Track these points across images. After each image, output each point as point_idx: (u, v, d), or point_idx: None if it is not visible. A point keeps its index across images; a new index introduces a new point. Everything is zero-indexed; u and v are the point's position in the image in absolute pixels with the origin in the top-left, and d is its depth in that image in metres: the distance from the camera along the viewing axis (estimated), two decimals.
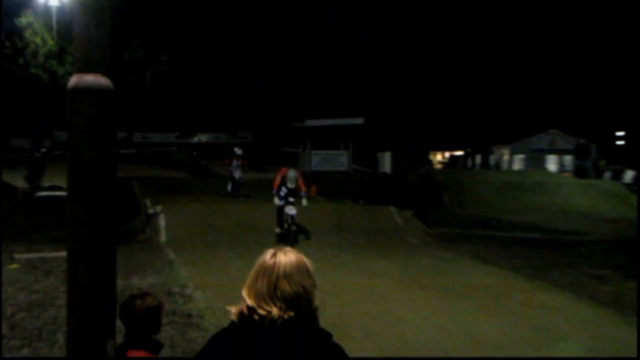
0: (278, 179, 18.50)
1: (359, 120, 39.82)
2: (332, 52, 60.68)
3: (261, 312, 2.85)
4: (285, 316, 2.84)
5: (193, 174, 35.62)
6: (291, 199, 18.40)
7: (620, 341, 9.70)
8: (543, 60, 64.73)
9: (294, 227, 18.44)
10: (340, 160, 36.34)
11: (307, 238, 19.24)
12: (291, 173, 18.39)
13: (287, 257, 2.97)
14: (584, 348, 9.31)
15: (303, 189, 18.78)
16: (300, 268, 2.96)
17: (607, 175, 46.92)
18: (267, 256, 2.99)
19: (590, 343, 9.56)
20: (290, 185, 18.34)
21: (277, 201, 18.45)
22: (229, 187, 26.53)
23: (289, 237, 18.12)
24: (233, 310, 2.97)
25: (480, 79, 62.55)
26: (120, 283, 7.89)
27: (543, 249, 19.02)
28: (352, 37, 61.05)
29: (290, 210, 18.23)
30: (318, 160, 36.23)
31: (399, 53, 61.85)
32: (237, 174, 26.61)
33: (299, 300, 2.89)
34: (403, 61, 61.55)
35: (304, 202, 18.82)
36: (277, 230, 18.73)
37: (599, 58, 61.93)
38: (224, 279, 12.78)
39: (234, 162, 26.53)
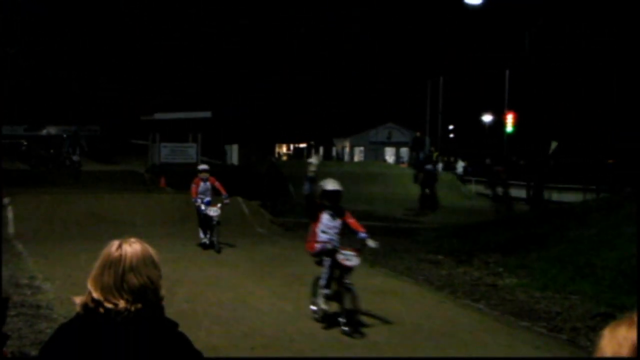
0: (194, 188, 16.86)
1: (207, 114, 39.90)
2: (180, 48, 60.01)
3: (108, 305, 2.77)
4: (132, 308, 2.77)
5: (37, 165, 34.68)
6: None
7: (456, 323, 10.11)
8: (370, 56, 66.28)
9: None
10: (188, 153, 36.12)
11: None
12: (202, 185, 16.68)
13: (132, 248, 2.89)
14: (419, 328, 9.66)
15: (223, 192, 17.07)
16: (146, 259, 2.89)
17: (440, 166, 48.71)
18: (113, 248, 2.89)
19: (425, 324, 9.93)
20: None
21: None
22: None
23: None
24: (77, 301, 2.85)
25: (319, 75, 63.48)
26: None
27: (383, 237, 19.41)
28: (195, 34, 60.56)
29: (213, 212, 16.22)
30: (167, 152, 35.92)
31: (242, 47, 61.86)
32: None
33: (146, 292, 2.83)
34: (247, 56, 61.66)
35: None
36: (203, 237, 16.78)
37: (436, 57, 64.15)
38: (73, 270, 12.49)
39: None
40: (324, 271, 9.69)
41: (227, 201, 16.99)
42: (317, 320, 9.74)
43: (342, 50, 62.98)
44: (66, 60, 55.81)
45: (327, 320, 9.60)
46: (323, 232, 9.75)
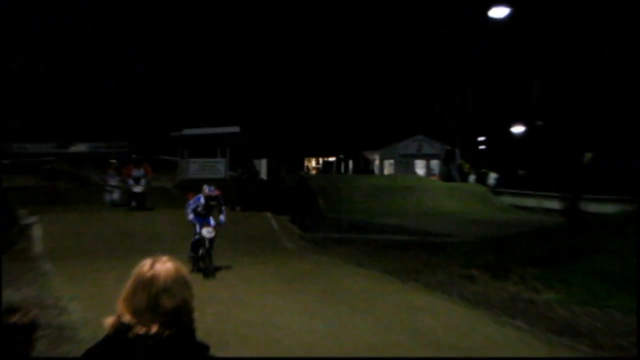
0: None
1: (235, 129, 39.91)
2: (207, 63, 60.25)
3: (140, 329, 2.65)
4: (165, 333, 2.66)
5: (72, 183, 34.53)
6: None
7: (494, 342, 9.81)
8: (407, 70, 66.14)
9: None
10: (217, 168, 36.05)
11: None
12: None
13: (165, 268, 2.78)
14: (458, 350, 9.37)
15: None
16: (179, 280, 2.78)
17: (472, 178, 48.28)
18: (145, 267, 2.78)
19: (461, 343, 9.64)
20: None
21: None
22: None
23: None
24: (107, 323, 2.73)
25: (348, 88, 63.34)
26: None
27: (415, 251, 19.14)
28: (222, 49, 60.72)
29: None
30: (196, 168, 35.95)
31: (270, 62, 61.90)
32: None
33: (180, 315, 2.72)
34: (274, 69, 61.68)
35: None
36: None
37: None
38: (101, 289, 12.31)
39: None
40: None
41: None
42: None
43: (370, 62, 62.56)
44: (93, 76, 56.31)
45: None
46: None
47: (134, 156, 25.49)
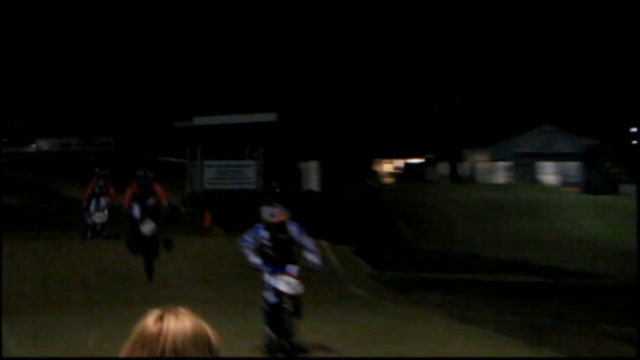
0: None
1: (271, 117, 39.57)
2: (228, 21, 60.57)
3: None
4: None
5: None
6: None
7: None
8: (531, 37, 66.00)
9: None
10: (245, 175, 36.27)
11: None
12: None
13: (179, 323, 2.68)
14: None
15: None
16: (198, 341, 2.68)
17: (627, 188, 47.70)
18: (150, 320, 2.68)
19: None
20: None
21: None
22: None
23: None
24: None
25: (445, 59, 63.09)
26: None
27: (546, 299, 19.01)
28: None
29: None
30: (213, 174, 36.29)
31: (321, 20, 62.02)
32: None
33: None
34: (328, 33, 61.65)
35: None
36: None
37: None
38: (76, 355, 12.42)
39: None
40: None
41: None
42: None
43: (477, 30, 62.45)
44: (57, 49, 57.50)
45: None
46: None
47: (140, 172, 22.56)
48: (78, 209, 27.18)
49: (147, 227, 20.54)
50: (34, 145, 50.15)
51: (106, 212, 23.94)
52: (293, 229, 13.62)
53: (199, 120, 39.78)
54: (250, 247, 13.60)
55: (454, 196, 38.25)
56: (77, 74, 57.44)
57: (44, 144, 49.92)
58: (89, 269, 20.25)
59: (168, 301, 2.75)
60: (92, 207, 23.64)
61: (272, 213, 13.65)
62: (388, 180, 60.21)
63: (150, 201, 21.44)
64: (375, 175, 58.61)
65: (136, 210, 21.19)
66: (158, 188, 22.35)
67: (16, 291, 18.32)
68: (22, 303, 17.55)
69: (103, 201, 24.14)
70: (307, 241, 13.82)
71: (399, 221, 31.03)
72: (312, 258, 13.75)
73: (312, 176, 37.62)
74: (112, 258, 21.23)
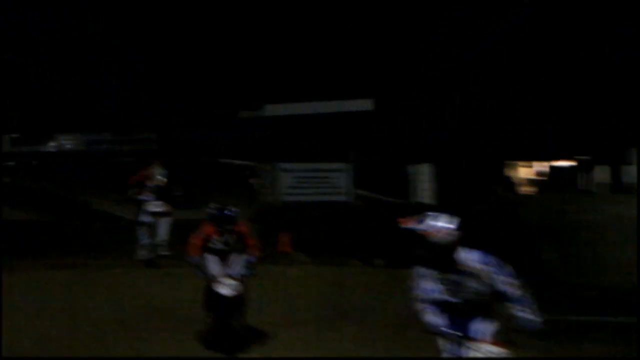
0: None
1: (366, 105, 37.55)
2: None
3: None
4: None
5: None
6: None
7: None
8: None
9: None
10: (334, 181, 33.11)
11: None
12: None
13: None
14: None
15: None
16: None
17: None
18: None
19: None
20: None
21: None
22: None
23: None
24: None
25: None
26: None
27: None
28: None
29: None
30: (291, 182, 33.04)
31: None
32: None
33: None
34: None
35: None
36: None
37: None
38: None
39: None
40: None
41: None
42: None
43: None
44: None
45: None
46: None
47: (227, 212, 16.94)
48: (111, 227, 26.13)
49: (228, 287, 15.62)
50: (53, 143, 45.99)
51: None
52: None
53: (271, 110, 38.54)
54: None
55: (616, 211, 33.20)
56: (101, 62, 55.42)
57: (66, 142, 45.81)
58: (126, 303, 18.15)
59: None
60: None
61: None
62: (527, 188, 56.08)
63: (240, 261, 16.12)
64: (507, 181, 54.21)
65: (212, 265, 16.02)
66: (244, 229, 16.62)
67: (31, 338, 15.28)
68: (41, 354, 14.57)
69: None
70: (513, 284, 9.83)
71: (543, 244, 27.46)
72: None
73: (423, 183, 34.13)
74: (151, 287, 19.68)
